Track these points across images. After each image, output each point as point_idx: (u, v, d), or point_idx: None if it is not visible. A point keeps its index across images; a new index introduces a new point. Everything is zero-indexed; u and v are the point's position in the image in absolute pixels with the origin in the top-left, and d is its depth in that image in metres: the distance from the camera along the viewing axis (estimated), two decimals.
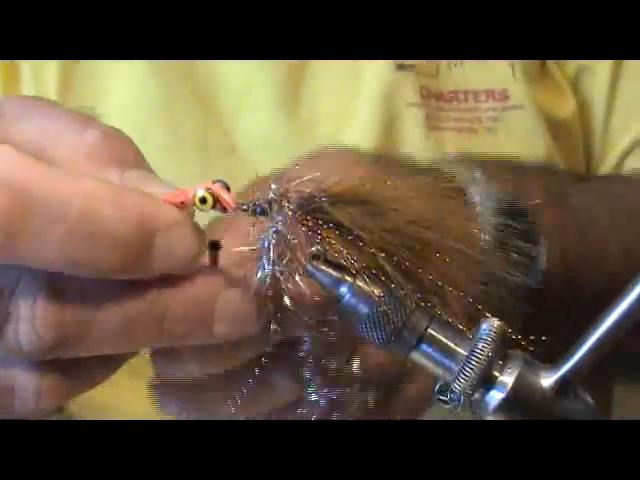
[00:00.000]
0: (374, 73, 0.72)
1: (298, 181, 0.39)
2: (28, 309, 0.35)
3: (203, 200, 0.36)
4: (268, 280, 0.39)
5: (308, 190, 0.39)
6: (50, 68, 0.69)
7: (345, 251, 0.39)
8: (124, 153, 0.39)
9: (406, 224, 0.40)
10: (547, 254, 0.54)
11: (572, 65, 0.78)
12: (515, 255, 0.51)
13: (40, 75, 0.69)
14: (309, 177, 0.39)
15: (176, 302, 0.37)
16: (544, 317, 0.44)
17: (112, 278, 0.35)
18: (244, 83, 0.72)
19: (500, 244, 0.51)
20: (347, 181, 0.40)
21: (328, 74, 0.73)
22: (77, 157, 0.37)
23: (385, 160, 0.54)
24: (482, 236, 0.50)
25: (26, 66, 0.69)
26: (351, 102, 0.72)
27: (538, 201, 0.54)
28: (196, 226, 0.37)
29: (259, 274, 0.39)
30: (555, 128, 0.76)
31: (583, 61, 0.77)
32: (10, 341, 0.35)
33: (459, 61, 0.73)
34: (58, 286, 0.35)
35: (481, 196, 0.53)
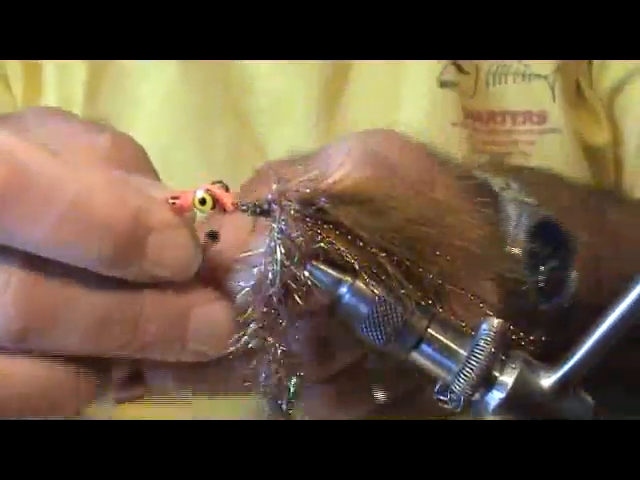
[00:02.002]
0: (415, 89, 0.70)
1: (298, 181, 0.39)
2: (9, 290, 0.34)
3: (202, 201, 0.36)
4: (277, 281, 0.38)
5: (308, 190, 0.39)
6: (77, 72, 0.67)
7: (345, 251, 0.39)
8: (133, 159, 0.39)
9: (406, 223, 0.39)
10: (580, 278, 0.52)
11: (606, 89, 0.76)
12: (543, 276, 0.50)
13: (66, 80, 0.67)
14: (308, 177, 0.39)
15: (151, 309, 0.36)
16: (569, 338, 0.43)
17: (100, 271, 0.35)
18: (279, 95, 0.70)
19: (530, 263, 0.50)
20: (347, 180, 0.40)
21: (366, 88, 0.70)
22: (87, 159, 0.37)
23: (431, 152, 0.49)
24: (513, 250, 0.49)
25: (50, 68, 0.67)
26: (391, 118, 0.70)
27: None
28: (193, 233, 0.37)
29: (270, 275, 0.38)
30: (590, 155, 0.74)
31: (617, 84, 0.74)
32: None
33: (497, 81, 0.71)
34: (33, 272, 0.35)
35: (516, 212, 0.50)
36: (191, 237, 0.37)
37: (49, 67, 0.67)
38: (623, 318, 0.38)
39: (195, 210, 0.37)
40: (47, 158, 0.34)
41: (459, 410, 0.39)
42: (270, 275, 0.38)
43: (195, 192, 0.36)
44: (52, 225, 0.33)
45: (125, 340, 0.36)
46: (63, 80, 0.67)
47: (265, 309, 0.38)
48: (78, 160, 0.37)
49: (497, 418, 0.39)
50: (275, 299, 0.38)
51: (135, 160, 0.39)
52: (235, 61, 0.67)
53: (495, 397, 0.39)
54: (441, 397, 0.40)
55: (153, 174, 0.40)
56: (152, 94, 0.67)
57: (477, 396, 0.39)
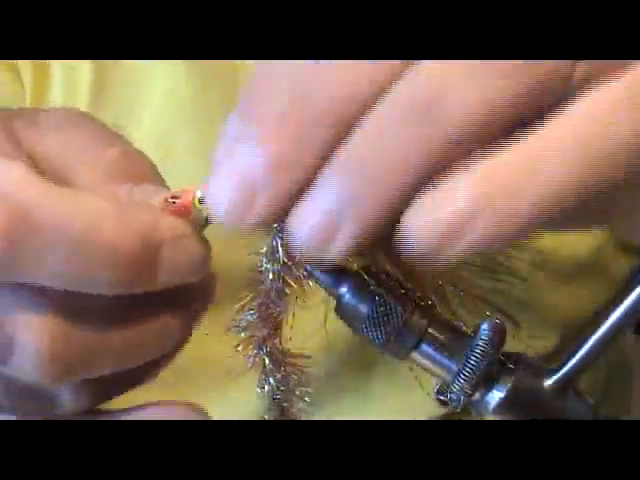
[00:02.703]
0: None
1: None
2: (32, 341, 0.34)
3: (202, 200, 0.36)
4: (280, 280, 0.38)
5: None
6: (83, 71, 0.67)
7: None
8: (141, 173, 0.39)
9: None
10: None
11: None
12: None
13: (72, 79, 0.67)
14: None
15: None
16: None
17: (118, 293, 0.35)
18: None
19: None
20: None
21: None
22: (95, 173, 0.38)
23: None
24: None
25: (57, 67, 0.67)
26: None
27: None
28: (201, 236, 0.37)
29: (270, 274, 0.38)
30: None
31: None
32: (15, 373, 0.35)
33: None
34: (62, 313, 0.35)
35: None
36: (200, 241, 0.37)
37: (56, 66, 0.67)
38: (623, 318, 0.38)
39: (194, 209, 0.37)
40: (50, 194, 0.33)
41: (459, 410, 0.39)
42: (271, 274, 0.38)
43: (195, 191, 0.36)
44: (60, 262, 0.33)
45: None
46: (69, 78, 0.67)
47: (262, 301, 0.38)
48: (82, 178, 0.37)
49: (497, 418, 0.39)
50: (274, 295, 0.38)
51: (143, 174, 0.39)
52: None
53: (495, 397, 0.39)
54: (441, 397, 0.40)
55: (159, 182, 0.40)
56: (155, 92, 0.67)
57: (477, 396, 0.39)
